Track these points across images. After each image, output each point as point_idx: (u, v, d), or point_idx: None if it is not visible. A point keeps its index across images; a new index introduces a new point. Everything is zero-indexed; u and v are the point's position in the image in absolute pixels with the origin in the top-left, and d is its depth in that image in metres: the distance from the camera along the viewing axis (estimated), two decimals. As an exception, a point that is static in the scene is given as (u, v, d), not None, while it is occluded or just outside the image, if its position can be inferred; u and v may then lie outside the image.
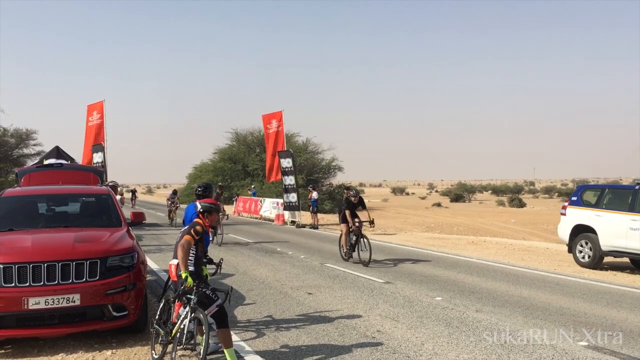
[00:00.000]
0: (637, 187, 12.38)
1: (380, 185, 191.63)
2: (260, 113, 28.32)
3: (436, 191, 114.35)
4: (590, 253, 12.89)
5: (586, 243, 13.03)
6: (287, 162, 26.14)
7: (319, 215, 26.39)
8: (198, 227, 5.75)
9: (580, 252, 13.20)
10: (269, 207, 29.83)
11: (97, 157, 24.43)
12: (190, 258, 5.71)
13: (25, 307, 5.97)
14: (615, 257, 12.83)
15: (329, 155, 50.56)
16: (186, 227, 5.90)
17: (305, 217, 26.95)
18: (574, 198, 13.90)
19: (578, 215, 13.39)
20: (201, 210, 5.99)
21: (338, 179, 50.84)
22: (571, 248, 13.55)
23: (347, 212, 13.26)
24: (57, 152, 12.89)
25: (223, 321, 5.56)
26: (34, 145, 43.20)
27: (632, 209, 12.10)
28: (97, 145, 25.03)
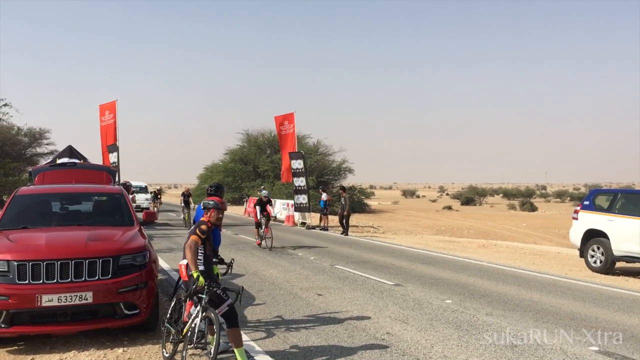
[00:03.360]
0: (650, 192, 12.28)
1: (390, 188, 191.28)
2: (272, 114, 28.51)
3: (447, 194, 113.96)
4: (602, 258, 12.80)
5: (598, 248, 12.95)
6: (298, 164, 26.19)
7: (329, 217, 26.39)
8: (203, 227, 5.80)
9: (592, 256, 13.11)
10: (280, 208, 29.90)
11: (112, 157, 24.60)
12: (199, 258, 5.75)
13: (39, 304, 6.04)
14: (627, 262, 12.73)
15: (340, 157, 50.63)
16: (192, 227, 5.96)
17: (315, 218, 26.98)
18: (586, 202, 13.81)
19: (590, 220, 13.31)
20: (202, 207, 6.08)
21: (348, 181, 50.84)
22: (583, 253, 13.47)
23: None
24: (70, 151, 12.94)
25: (233, 321, 5.60)
26: (47, 144, 43.56)
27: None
28: (112, 145, 25.19)
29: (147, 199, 34.36)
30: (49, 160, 16.16)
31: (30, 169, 11.73)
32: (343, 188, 24.43)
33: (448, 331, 7.33)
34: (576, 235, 13.72)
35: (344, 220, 22.52)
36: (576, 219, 13.85)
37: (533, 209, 62.08)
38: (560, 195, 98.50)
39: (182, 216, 26.06)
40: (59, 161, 11.48)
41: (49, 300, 6.07)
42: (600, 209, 13.29)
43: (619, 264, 13.07)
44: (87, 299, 6.20)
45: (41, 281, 6.12)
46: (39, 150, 43.60)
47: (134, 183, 34.23)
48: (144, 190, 37.03)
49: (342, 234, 22.32)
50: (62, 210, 8.68)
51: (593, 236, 13.15)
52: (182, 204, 25.29)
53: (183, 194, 25.78)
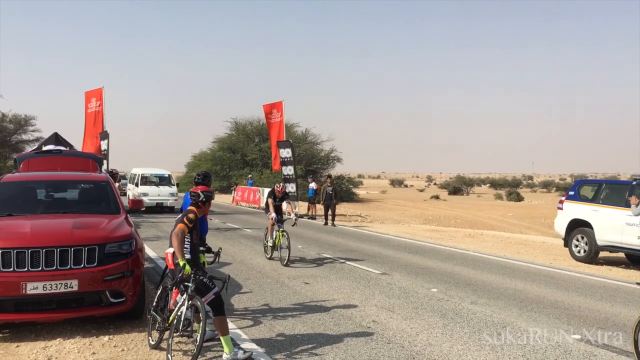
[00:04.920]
0: (634, 183, 12.43)
1: (379, 177, 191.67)
2: (260, 102, 28.35)
3: (435, 184, 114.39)
4: (586, 247, 12.95)
5: (582, 237, 13.10)
6: (286, 152, 26.14)
7: (317, 207, 26.39)
8: (191, 215, 5.79)
9: (576, 246, 13.26)
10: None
11: (104, 145, 24.36)
12: (185, 246, 5.75)
13: (24, 291, 6.02)
14: (610, 252, 12.89)
15: (328, 146, 50.63)
16: (180, 216, 5.94)
17: (303, 207, 26.99)
18: (571, 193, 13.95)
19: (575, 210, 13.45)
20: (203, 199, 5.99)
21: (337, 170, 50.86)
22: (567, 242, 13.62)
23: None
24: (56, 138, 12.86)
25: (219, 309, 5.61)
26: (33, 131, 43.16)
27: (628, 204, 12.13)
28: (103, 132, 24.96)
29: (172, 194, 25.50)
30: (34, 147, 16.01)
31: (15, 156, 11.60)
32: (330, 177, 24.02)
33: (433, 319, 7.40)
34: (561, 225, 13.86)
35: (329, 210, 21.70)
36: (561, 209, 13.98)
37: (519, 199, 62.50)
38: (547, 185, 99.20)
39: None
40: (44, 148, 11.39)
41: (34, 288, 6.04)
42: (585, 199, 13.43)
43: (602, 254, 13.22)
44: (72, 287, 6.18)
45: (26, 269, 6.09)
46: (24, 137, 43.22)
47: (150, 171, 27.39)
48: (166, 181, 26.51)
49: (325, 224, 21.50)
50: (47, 197, 8.61)
51: (577, 226, 13.29)
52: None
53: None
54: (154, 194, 24.56)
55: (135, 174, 27.13)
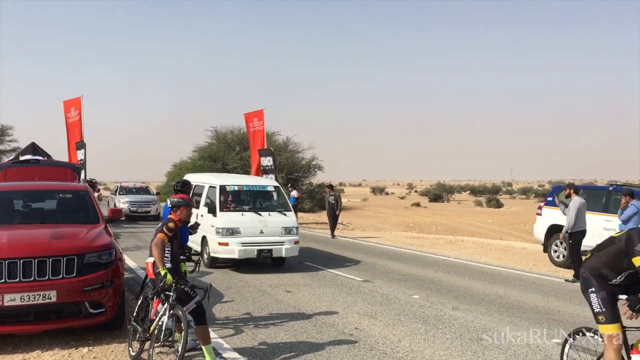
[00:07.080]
0: (610, 189, 12.65)
1: (360, 185, 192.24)
2: (241, 110, 28.24)
3: (415, 191, 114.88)
4: (565, 253, 13.10)
5: (561, 243, 13.25)
6: (267, 161, 26.06)
7: (299, 214, 26.36)
8: (170, 224, 5.75)
9: (555, 251, 13.42)
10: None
11: (80, 154, 24.09)
12: (166, 255, 5.71)
13: (0, 303, 5.91)
14: (589, 256, 13.04)
15: (309, 155, 50.54)
16: (160, 225, 5.90)
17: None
18: (550, 198, 14.13)
19: (553, 215, 13.60)
20: (170, 205, 6.01)
21: (318, 178, 50.85)
22: (546, 247, 13.77)
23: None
24: (33, 148, 12.66)
25: (201, 318, 5.58)
26: (10, 141, 42.64)
27: (605, 209, 12.33)
28: (80, 142, 24.68)
29: (289, 230, 12.05)
30: (11, 157, 15.77)
31: (-8, 166, 11.41)
32: (331, 186, 22.76)
33: (415, 326, 7.43)
34: (540, 231, 14.02)
35: (335, 220, 20.44)
36: (540, 214, 14.16)
37: (499, 205, 63.06)
38: (526, 191, 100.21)
39: None
40: (22, 158, 11.22)
41: (11, 299, 5.93)
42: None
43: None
44: (50, 298, 6.08)
45: (3, 280, 5.97)
46: (1, 147, 42.63)
47: (238, 181, 13.65)
48: (272, 200, 12.99)
49: (332, 237, 19.98)
50: (24, 208, 8.50)
51: (556, 231, 13.42)
52: None
53: None
54: (253, 232, 11.59)
55: (202, 185, 13.12)
